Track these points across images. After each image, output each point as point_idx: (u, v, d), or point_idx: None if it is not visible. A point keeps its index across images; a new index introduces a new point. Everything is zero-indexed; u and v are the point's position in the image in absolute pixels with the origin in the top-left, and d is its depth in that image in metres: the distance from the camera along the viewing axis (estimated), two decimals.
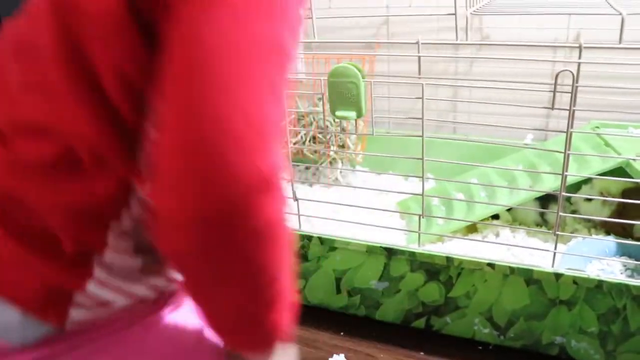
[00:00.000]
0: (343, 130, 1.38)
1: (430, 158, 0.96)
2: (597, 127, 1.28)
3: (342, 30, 1.49)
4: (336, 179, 1.41)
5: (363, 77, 0.89)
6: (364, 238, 1.16)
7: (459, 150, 1.40)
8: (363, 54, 1.39)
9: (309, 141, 1.40)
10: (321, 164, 1.41)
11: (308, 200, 1.12)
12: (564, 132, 0.88)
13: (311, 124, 1.39)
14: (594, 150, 1.20)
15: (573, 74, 0.79)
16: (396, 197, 1.32)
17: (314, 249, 1.07)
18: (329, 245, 1.05)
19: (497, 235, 1.18)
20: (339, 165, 1.40)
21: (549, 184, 1.13)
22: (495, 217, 1.24)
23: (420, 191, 1.33)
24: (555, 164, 1.21)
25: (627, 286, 0.89)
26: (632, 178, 1.07)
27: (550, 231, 0.95)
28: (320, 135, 1.38)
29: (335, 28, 1.49)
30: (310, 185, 1.44)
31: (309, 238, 1.06)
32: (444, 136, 1.45)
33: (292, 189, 1.05)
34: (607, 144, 1.18)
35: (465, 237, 1.17)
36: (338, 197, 1.36)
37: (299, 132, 1.40)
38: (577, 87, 0.80)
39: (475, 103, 1.41)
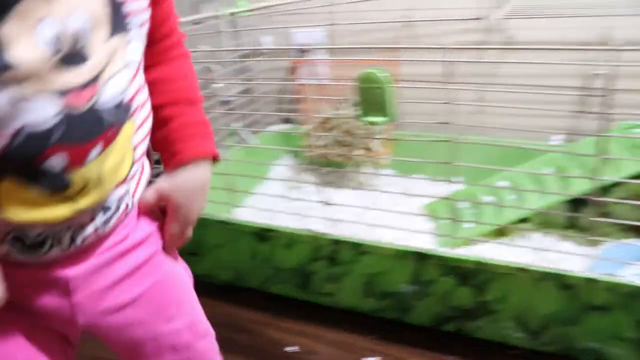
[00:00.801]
0: (368, 133, 1.38)
1: (456, 162, 0.96)
2: (629, 128, 1.27)
3: (363, 34, 1.50)
4: (360, 182, 1.41)
5: (390, 83, 0.90)
6: (391, 241, 1.18)
7: (487, 152, 1.40)
8: (386, 59, 1.40)
9: (334, 144, 1.41)
10: (346, 167, 1.42)
11: (337, 204, 1.12)
12: (592, 135, 0.87)
13: (332, 128, 1.39)
14: (625, 151, 1.19)
15: (606, 75, 0.79)
16: (423, 199, 1.33)
17: (344, 253, 1.08)
18: (358, 249, 1.06)
19: (526, 238, 1.18)
20: (364, 168, 1.41)
21: (579, 186, 1.13)
22: (524, 220, 1.24)
23: (447, 194, 1.35)
24: (584, 166, 1.20)
25: None
26: None
27: (582, 235, 0.95)
28: (345, 138, 1.39)
29: (355, 32, 1.49)
30: (337, 188, 1.45)
31: (338, 242, 1.07)
32: (471, 139, 1.44)
33: (321, 194, 1.05)
34: (636, 146, 1.17)
35: (495, 241, 1.17)
36: (364, 200, 1.37)
37: (323, 136, 1.41)
38: (610, 90, 0.80)
39: (502, 105, 1.40)
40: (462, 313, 1.04)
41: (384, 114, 0.92)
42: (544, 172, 1.21)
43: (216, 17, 1.17)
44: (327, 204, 1.04)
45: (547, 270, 0.94)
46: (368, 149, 1.40)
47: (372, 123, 0.93)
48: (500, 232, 1.21)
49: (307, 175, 1.52)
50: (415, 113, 1.51)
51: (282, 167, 1.58)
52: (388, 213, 1.28)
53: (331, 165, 1.54)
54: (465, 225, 1.20)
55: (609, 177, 1.08)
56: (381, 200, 1.36)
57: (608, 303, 0.93)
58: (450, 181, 1.06)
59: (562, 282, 0.94)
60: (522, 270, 0.95)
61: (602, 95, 0.81)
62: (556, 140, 1.39)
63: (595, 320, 0.95)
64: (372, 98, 0.92)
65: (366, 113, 0.93)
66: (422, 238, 1.18)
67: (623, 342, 0.94)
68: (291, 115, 1.58)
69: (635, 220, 1.17)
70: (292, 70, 1.57)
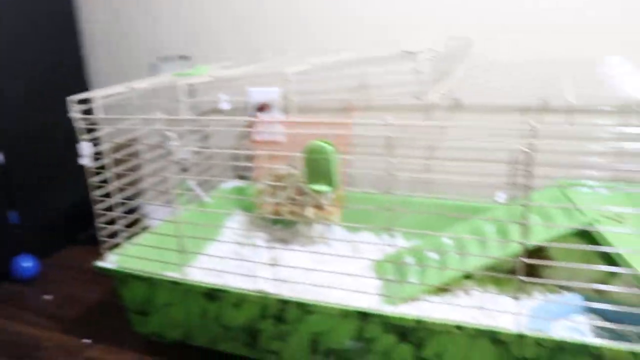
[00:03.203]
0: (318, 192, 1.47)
1: (395, 226, 1.04)
2: (564, 187, 1.39)
3: (320, 94, 1.61)
4: (311, 239, 1.49)
5: (335, 154, 1.00)
6: (339, 299, 1.26)
7: (433, 209, 1.51)
8: (336, 123, 1.51)
9: (287, 201, 1.49)
10: (297, 224, 1.50)
11: (283, 265, 1.20)
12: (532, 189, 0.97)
13: (285, 186, 1.48)
14: (562, 210, 1.31)
15: (527, 153, 0.90)
16: (373, 253, 1.43)
17: (290, 312, 1.16)
18: (304, 308, 1.14)
19: (469, 294, 1.28)
20: (315, 226, 1.50)
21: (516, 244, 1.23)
22: (468, 276, 1.33)
23: (395, 249, 1.44)
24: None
25: (586, 346, 0.98)
26: (595, 240, 1.18)
27: (511, 295, 1.04)
28: (297, 196, 1.47)
29: (314, 91, 1.60)
30: (287, 245, 1.53)
31: (285, 302, 1.15)
32: (411, 200, 1.56)
33: (269, 253, 1.13)
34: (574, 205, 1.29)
35: (438, 298, 1.26)
36: (314, 257, 1.45)
37: (277, 193, 1.49)
38: (529, 170, 0.90)
39: (448, 163, 1.52)
40: None
41: (329, 183, 1.01)
42: (478, 234, 1.31)
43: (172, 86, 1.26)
44: (274, 264, 1.12)
45: (481, 327, 1.03)
46: (319, 207, 1.49)
47: (316, 191, 1.02)
48: (442, 289, 1.29)
49: (260, 232, 1.59)
50: (364, 171, 1.63)
51: (235, 225, 1.66)
52: (338, 267, 1.38)
53: (283, 223, 1.62)
54: (411, 282, 1.29)
55: (534, 241, 1.19)
56: (330, 257, 1.44)
57: (537, 356, 1.02)
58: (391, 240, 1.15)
59: (495, 338, 1.03)
60: (458, 328, 1.04)
61: (525, 171, 0.91)
62: (501, 197, 1.50)
63: None
64: (318, 168, 1.01)
65: (312, 181, 1.02)
66: (368, 296, 1.26)
67: None
68: (244, 173, 1.67)
69: (566, 278, 1.29)
70: (248, 128, 1.67)
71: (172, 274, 1.28)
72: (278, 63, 1.01)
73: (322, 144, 0.98)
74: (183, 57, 1.65)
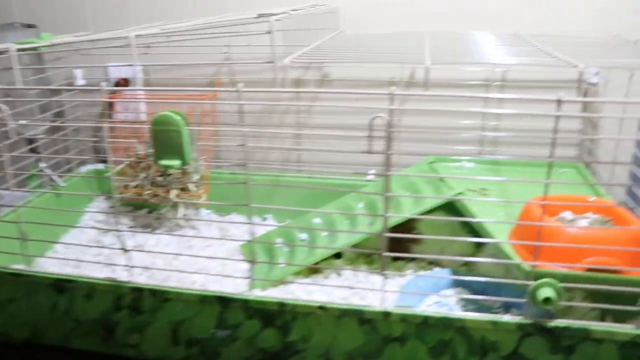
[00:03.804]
0: (183, 173, 1.40)
1: (254, 204, 1.00)
2: (433, 162, 1.40)
3: (183, 69, 1.54)
4: (177, 224, 1.43)
5: (186, 125, 0.93)
6: (204, 285, 1.20)
7: (305, 189, 1.49)
8: (197, 96, 1.44)
9: (150, 185, 1.41)
10: (163, 208, 1.43)
11: (138, 250, 1.13)
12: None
13: (150, 167, 1.40)
14: (430, 186, 1.32)
15: (385, 119, 0.87)
16: (242, 236, 1.39)
17: (146, 301, 1.08)
18: (160, 296, 1.07)
19: (340, 275, 1.26)
20: (182, 209, 1.43)
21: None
22: (339, 255, 1.31)
23: (264, 230, 1.41)
24: (393, 200, 1.31)
25: (450, 319, 0.98)
26: (460, 212, 1.19)
27: (378, 271, 1.03)
28: (160, 179, 1.40)
29: (174, 67, 1.53)
30: (152, 231, 1.46)
31: (140, 290, 1.07)
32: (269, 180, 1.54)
33: (123, 239, 1.06)
34: (441, 180, 1.30)
35: (307, 280, 1.23)
36: (180, 243, 1.39)
37: (138, 176, 1.41)
38: (390, 132, 0.88)
39: (317, 140, 1.50)
40: (270, 356, 1.08)
41: (180, 158, 0.94)
42: (336, 211, 1.30)
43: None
44: (134, 250, 1.05)
45: (345, 307, 1.01)
46: (184, 190, 1.42)
47: (167, 167, 0.95)
48: (314, 270, 1.27)
49: (122, 218, 1.50)
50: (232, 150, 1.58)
51: (95, 211, 1.55)
52: (204, 253, 1.32)
53: (146, 207, 1.54)
54: (280, 265, 1.26)
55: (396, 214, 1.19)
56: (197, 242, 1.39)
57: (404, 334, 1.01)
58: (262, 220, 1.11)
59: (361, 318, 1.01)
60: (322, 308, 1.01)
61: (386, 137, 0.89)
62: (371, 175, 1.50)
63: (394, 352, 1.03)
64: (167, 141, 0.94)
65: (161, 156, 0.95)
66: (235, 281, 1.22)
67: None
68: (103, 155, 1.56)
69: (436, 253, 1.30)
70: (106, 106, 1.56)
71: (17, 266, 1.17)
72: (130, 30, 0.93)
73: (171, 114, 0.91)
74: (28, 26, 1.51)
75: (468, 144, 1.49)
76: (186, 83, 1.54)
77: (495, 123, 1.49)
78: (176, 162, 0.94)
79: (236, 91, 0.89)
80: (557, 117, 0.82)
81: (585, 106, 1.43)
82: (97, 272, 1.24)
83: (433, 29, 1.45)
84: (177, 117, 0.92)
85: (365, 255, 1.33)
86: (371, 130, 0.88)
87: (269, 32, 0.93)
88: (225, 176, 1.56)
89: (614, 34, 1.40)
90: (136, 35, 0.88)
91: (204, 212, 1.56)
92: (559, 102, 0.82)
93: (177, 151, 0.94)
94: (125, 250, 1.04)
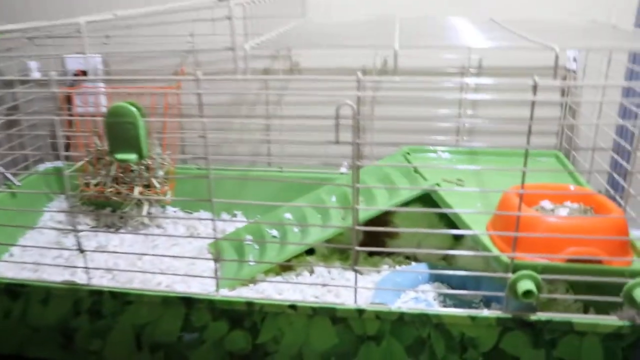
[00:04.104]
0: (147, 169, 1.36)
1: (217, 198, 0.96)
2: (408, 153, 1.37)
3: (146, 60, 1.49)
4: (143, 223, 1.38)
5: (142, 116, 0.88)
6: (168, 285, 1.16)
7: (275, 184, 1.45)
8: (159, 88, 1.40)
9: (111, 182, 1.36)
10: (126, 207, 1.38)
11: (96, 251, 1.08)
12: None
13: (112, 163, 1.35)
14: (405, 177, 1.28)
15: (352, 107, 0.83)
16: (210, 234, 1.34)
17: (106, 305, 1.04)
18: (122, 299, 1.02)
19: (313, 272, 1.22)
20: (146, 207, 1.38)
21: (362, 213, 1.19)
22: (311, 252, 1.28)
23: (234, 228, 1.36)
24: (366, 193, 1.28)
25: (427, 315, 0.95)
26: (436, 204, 1.16)
27: (349, 266, 0.99)
28: (123, 175, 1.35)
29: (136, 58, 1.48)
30: (115, 230, 1.41)
31: (99, 293, 1.02)
32: (257, 170, 1.50)
33: (78, 240, 1.01)
34: (415, 171, 1.27)
35: (278, 278, 1.19)
36: (145, 243, 1.34)
37: (100, 173, 1.36)
38: (358, 119, 0.85)
39: (287, 133, 1.46)
40: (240, 358, 1.03)
41: (136, 152, 0.90)
42: (308, 205, 1.26)
43: None
44: (83, 251, 1.00)
45: (318, 305, 0.97)
46: (148, 187, 1.37)
47: (122, 161, 0.90)
48: (286, 267, 1.23)
49: (83, 217, 1.45)
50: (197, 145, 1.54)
51: (54, 211, 1.49)
52: (169, 255, 1.28)
53: (109, 206, 1.49)
54: (250, 263, 1.22)
55: (367, 207, 1.16)
56: (163, 241, 1.34)
57: (379, 332, 0.98)
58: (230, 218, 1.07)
59: (334, 316, 0.98)
60: (292, 307, 0.97)
61: (353, 126, 0.85)
62: (344, 167, 1.47)
63: (370, 351, 1.00)
64: (122, 134, 0.89)
65: (117, 150, 0.90)
66: (203, 281, 1.17)
67: None
68: (62, 151, 1.50)
69: (414, 246, 1.27)
70: (65, 100, 1.51)
71: None
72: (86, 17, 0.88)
73: (126, 105, 0.86)
74: None
75: (444, 133, 1.46)
76: (149, 74, 1.49)
77: (472, 112, 1.47)
78: (132, 156, 0.89)
79: (195, 80, 0.85)
80: (533, 103, 0.79)
81: (564, 93, 1.41)
82: (57, 276, 1.19)
83: (405, 16, 1.42)
84: (133, 109, 0.87)
85: (339, 251, 1.30)
86: (338, 119, 0.84)
87: (228, 18, 0.89)
88: (192, 172, 1.52)
89: (591, 19, 1.38)
90: (87, 22, 0.83)
91: (170, 210, 1.52)
92: (535, 86, 0.79)
93: (133, 144, 0.89)
94: (82, 251, 0.99)
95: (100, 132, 1.36)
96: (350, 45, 0.97)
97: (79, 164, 1.37)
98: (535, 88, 0.79)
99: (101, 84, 1.46)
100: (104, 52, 1.40)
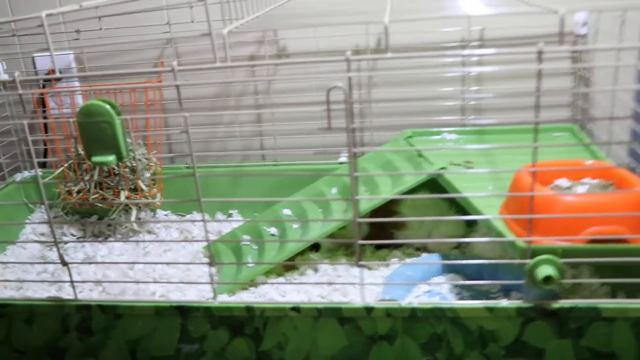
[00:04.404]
0: (133, 171, 1.34)
1: (206, 198, 0.94)
2: (410, 137, 1.35)
3: (122, 55, 1.47)
4: (131, 229, 1.37)
5: (118, 114, 0.87)
6: (165, 295, 1.14)
7: (270, 179, 1.44)
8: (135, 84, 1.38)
9: (95, 188, 1.35)
10: (113, 213, 1.36)
11: (81, 263, 1.07)
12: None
13: (94, 168, 1.34)
14: (408, 162, 1.27)
15: (343, 89, 0.81)
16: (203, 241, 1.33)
17: (96, 320, 1.02)
18: (112, 312, 1.01)
19: (318, 270, 1.21)
20: (134, 212, 1.37)
21: (363, 204, 1.18)
22: (316, 247, 1.27)
23: (230, 228, 1.35)
24: (369, 182, 1.26)
25: (441, 309, 0.93)
26: (444, 189, 1.14)
27: (352, 262, 0.98)
28: (107, 180, 1.33)
29: (112, 53, 1.46)
30: (104, 240, 1.39)
31: (87, 307, 1.01)
32: (251, 165, 1.49)
33: (59, 252, 0.99)
34: (420, 155, 1.25)
35: (281, 279, 1.18)
36: (137, 251, 1.33)
37: (81, 179, 1.34)
38: (351, 103, 0.83)
39: (280, 125, 1.45)
40: None
41: (115, 152, 0.88)
42: (307, 199, 1.25)
43: None
44: (65, 263, 0.98)
45: (323, 306, 0.95)
46: (136, 190, 1.36)
47: (100, 164, 0.88)
48: (288, 267, 1.22)
49: (69, 228, 1.44)
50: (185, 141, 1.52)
51: (35, 223, 1.48)
52: (161, 262, 1.26)
53: (95, 214, 1.48)
54: (249, 264, 1.20)
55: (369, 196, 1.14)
56: (154, 248, 1.33)
57: (391, 331, 0.96)
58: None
59: (341, 317, 0.96)
60: (296, 310, 0.95)
61: (345, 110, 0.83)
62: (343, 156, 1.45)
63: (382, 352, 0.98)
64: (97, 135, 0.87)
65: (92, 153, 0.88)
66: (199, 287, 1.16)
67: None
68: (40, 158, 1.50)
69: (424, 236, 1.26)
70: (39, 103, 1.49)
71: None
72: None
73: (99, 103, 0.84)
74: None
75: (448, 113, 1.44)
76: (126, 70, 1.47)
77: (477, 88, 1.44)
78: (110, 158, 0.87)
79: (171, 71, 0.83)
80: (539, 72, 0.77)
81: (575, 61, 1.39)
82: (43, 292, 1.18)
83: None
84: (107, 107, 0.85)
85: (345, 246, 1.28)
86: (329, 104, 0.82)
87: (201, 1, 0.87)
88: (180, 171, 1.51)
89: None
90: (48, 15, 0.82)
91: (161, 214, 1.51)
92: (540, 54, 0.77)
93: (110, 145, 0.87)
94: (65, 264, 0.97)
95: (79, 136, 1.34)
96: (337, 23, 0.94)
97: (58, 170, 1.35)
98: (540, 56, 0.77)
99: (76, 83, 1.44)
100: (76, 48, 1.38)
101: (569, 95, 1.37)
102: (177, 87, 0.84)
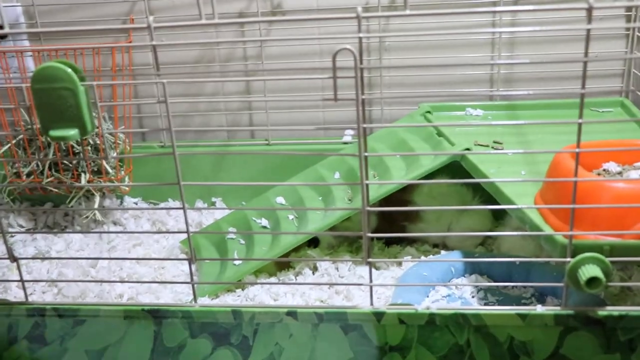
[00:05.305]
0: (96, 150, 1.35)
1: (185, 182, 0.95)
2: (429, 112, 1.36)
3: (83, 9, 1.47)
4: (93, 219, 1.38)
5: (82, 79, 0.86)
6: (134, 298, 1.15)
7: (261, 161, 1.45)
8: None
9: (50, 170, 1.36)
10: (72, 200, 1.38)
11: (33, 258, 1.08)
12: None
13: (49, 145, 1.34)
14: (425, 142, 1.28)
15: (354, 53, 0.82)
16: (183, 229, 1.35)
17: (52, 326, 1.03)
18: (72, 317, 1.02)
19: (316, 269, 1.22)
20: (97, 199, 1.38)
21: (372, 192, 1.19)
22: (315, 242, 1.28)
23: (213, 219, 1.36)
24: (379, 166, 1.27)
25: (464, 316, 0.94)
26: (468, 174, 1.15)
27: (361, 260, 0.99)
28: (64, 160, 1.34)
29: (72, 7, 1.46)
30: (60, 232, 1.40)
31: (41, 311, 1.02)
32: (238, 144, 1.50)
33: (8, 246, 1.00)
34: (439, 134, 1.26)
35: (272, 279, 1.19)
36: (101, 246, 1.35)
37: (33, 158, 1.35)
38: (361, 68, 0.83)
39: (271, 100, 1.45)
40: None
41: (78, 126, 0.88)
42: (305, 183, 1.26)
43: None
44: (15, 259, 0.99)
45: (324, 310, 0.96)
46: (99, 173, 1.37)
47: (59, 139, 0.88)
48: (282, 265, 1.23)
49: (18, 217, 1.45)
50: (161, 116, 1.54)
51: None
52: (131, 258, 1.27)
53: (50, 201, 1.49)
54: (235, 262, 1.22)
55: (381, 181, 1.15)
56: (121, 242, 1.35)
57: (405, 340, 0.97)
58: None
59: (345, 323, 0.97)
60: (292, 315, 0.96)
61: (355, 77, 0.83)
62: (348, 135, 1.46)
63: None
64: (56, 104, 0.87)
65: (50, 125, 0.88)
66: (175, 288, 1.18)
67: None
68: None
69: (443, 230, 1.27)
70: None
71: None
72: None
73: (58, 65, 0.84)
74: None
75: (474, 85, 1.45)
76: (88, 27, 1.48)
77: (509, 54, 1.45)
78: (72, 132, 0.87)
79: (146, 28, 0.83)
80: (588, 33, 0.77)
81: (630, 19, 1.39)
82: None
83: None
84: (68, 70, 0.85)
85: (348, 241, 1.29)
86: (335, 70, 0.83)
87: None
88: (154, 150, 1.52)
89: None
90: None
91: (130, 201, 1.52)
92: (589, 10, 0.77)
93: (72, 117, 0.87)
94: (14, 260, 0.98)
95: (29, 105, 1.35)
96: None
97: (4, 148, 1.36)
98: (590, 14, 0.77)
99: (25, 42, 1.43)
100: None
101: (621, 62, 1.37)
102: (154, 47, 0.84)
